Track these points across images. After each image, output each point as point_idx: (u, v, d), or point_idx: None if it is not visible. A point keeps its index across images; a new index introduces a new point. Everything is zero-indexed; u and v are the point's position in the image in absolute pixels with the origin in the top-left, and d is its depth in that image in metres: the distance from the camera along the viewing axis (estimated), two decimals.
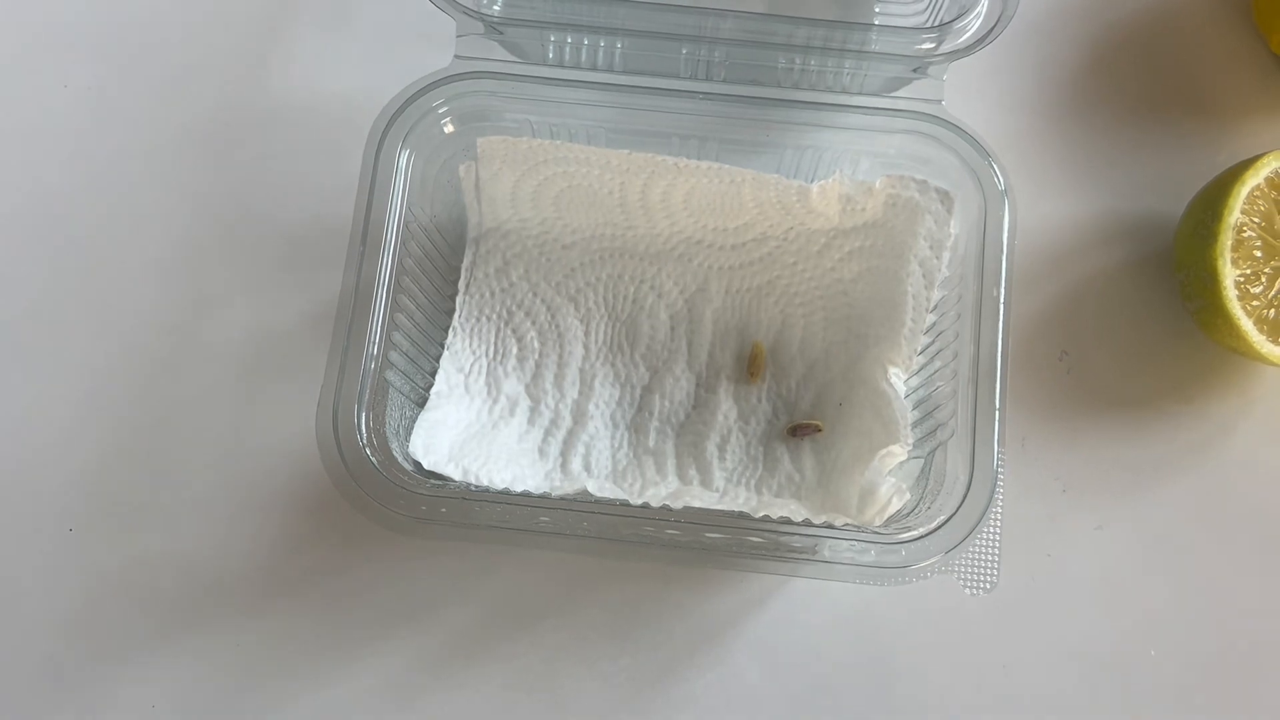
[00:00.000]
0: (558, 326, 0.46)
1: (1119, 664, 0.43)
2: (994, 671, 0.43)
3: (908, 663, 0.43)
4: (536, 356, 0.45)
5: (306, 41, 0.49)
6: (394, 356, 0.40)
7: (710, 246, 0.46)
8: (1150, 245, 0.47)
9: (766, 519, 0.38)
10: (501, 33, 0.41)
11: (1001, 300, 0.39)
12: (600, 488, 0.40)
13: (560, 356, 0.45)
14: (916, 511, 0.39)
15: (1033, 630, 0.43)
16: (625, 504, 0.39)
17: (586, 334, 0.46)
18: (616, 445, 0.44)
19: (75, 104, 0.49)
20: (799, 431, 0.44)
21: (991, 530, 0.38)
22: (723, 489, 0.43)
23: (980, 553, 0.38)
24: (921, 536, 0.37)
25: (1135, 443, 0.46)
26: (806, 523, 0.38)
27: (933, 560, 0.37)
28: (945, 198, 0.41)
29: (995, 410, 0.38)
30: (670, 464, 0.44)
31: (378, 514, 0.37)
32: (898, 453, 0.41)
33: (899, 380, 0.42)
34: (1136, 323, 0.47)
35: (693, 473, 0.44)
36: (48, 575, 0.44)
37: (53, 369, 0.46)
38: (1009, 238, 0.39)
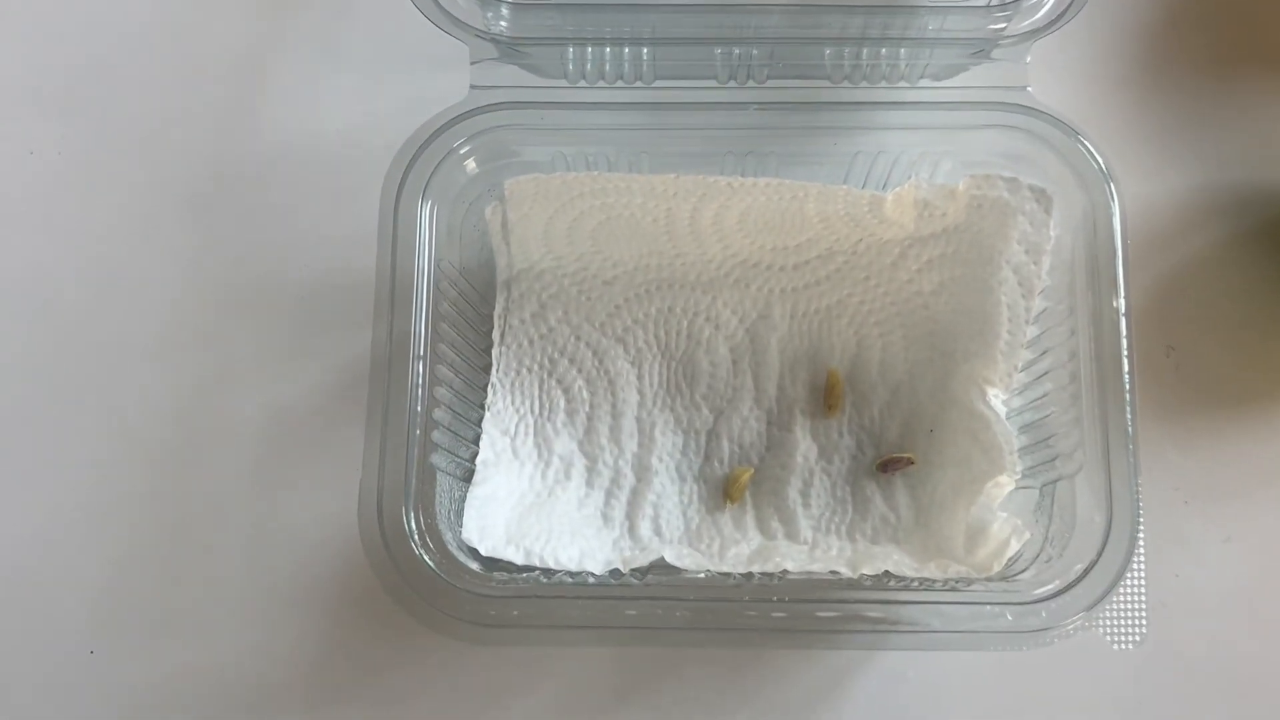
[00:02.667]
0: (607, 372, 0.41)
1: (1272, 686, 0.39)
2: (1134, 710, 0.39)
3: (1038, 714, 0.39)
4: (587, 408, 0.41)
5: (297, 77, 0.44)
6: (437, 435, 0.36)
7: (770, 268, 0.41)
8: (1256, 219, 0.43)
9: (881, 585, 0.34)
10: (523, 54, 0.37)
11: (1123, 311, 0.34)
12: (677, 555, 0.37)
13: (613, 406, 0.41)
14: (1041, 556, 0.35)
15: (1171, 662, 0.39)
16: (710, 574, 0.36)
17: (639, 378, 0.41)
18: (686, 501, 0.40)
19: (44, 171, 0.44)
20: (889, 466, 0.40)
21: (1135, 575, 0.33)
22: (811, 540, 0.39)
23: (1123, 599, 0.34)
24: (1060, 591, 0.33)
25: (1258, 441, 0.41)
26: (925, 583, 0.34)
27: (1076, 618, 0.32)
28: (1041, 196, 0.37)
29: (1128, 440, 0.33)
30: (749, 517, 0.40)
31: (442, 624, 0.33)
32: (1005, 483, 0.36)
33: (998, 401, 0.38)
34: (1248, 308, 0.42)
35: (775, 525, 0.40)
36: (71, 704, 0.40)
37: (53, 475, 0.41)
38: (1121, 239, 0.35)
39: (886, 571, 0.35)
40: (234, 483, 0.41)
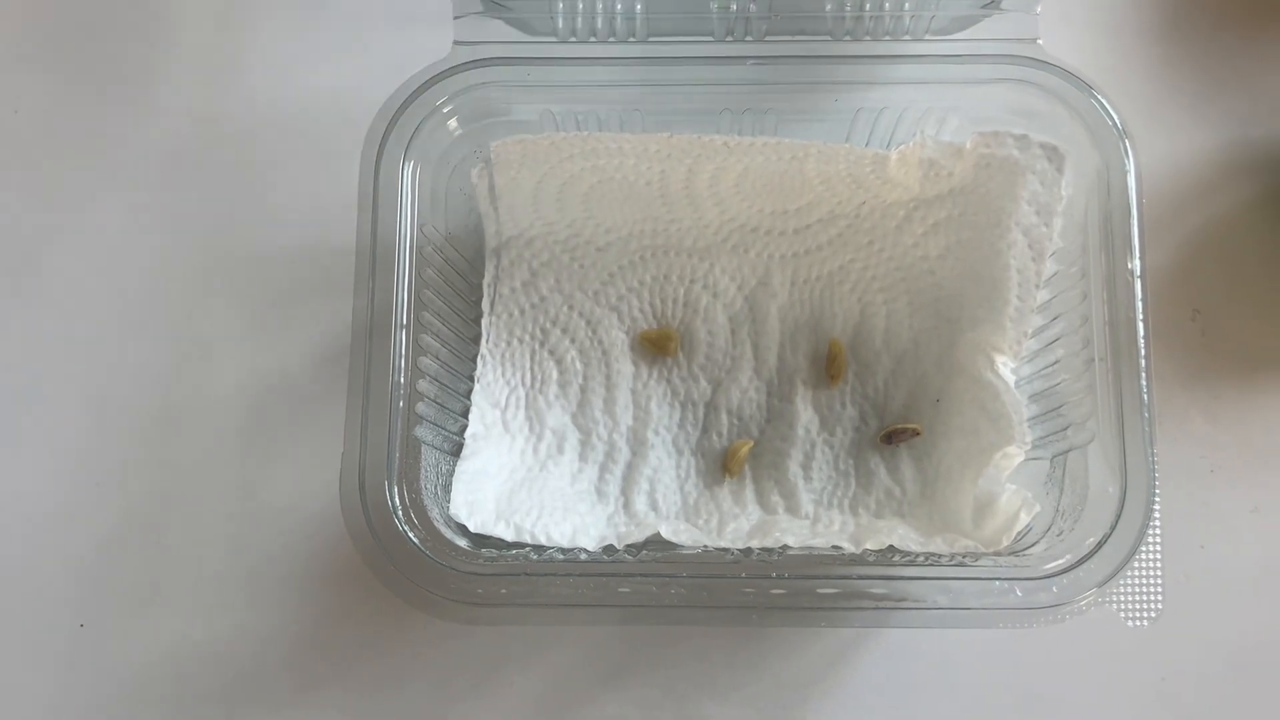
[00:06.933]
0: (600, 342, 0.40)
1: None
2: (1150, 688, 0.38)
3: (1048, 692, 0.38)
4: (580, 380, 0.40)
5: (277, 34, 0.43)
6: (421, 408, 0.34)
7: (769, 233, 0.40)
8: None
9: (885, 561, 0.32)
10: (508, 8, 0.35)
11: (1138, 274, 0.33)
12: (674, 530, 0.35)
13: (607, 377, 0.40)
14: (1052, 530, 0.33)
15: (1191, 635, 0.38)
16: (708, 550, 0.35)
17: (634, 348, 0.40)
18: (683, 476, 0.39)
19: (26, 131, 0.43)
20: (894, 437, 0.39)
21: (1151, 548, 0.32)
22: (813, 514, 0.38)
23: (1138, 574, 0.33)
24: (1071, 566, 0.31)
25: None
26: (931, 559, 0.32)
27: (1089, 594, 0.31)
28: (1053, 154, 0.35)
29: (1143, 408, 0.32)
30: (749, 491, 0.39)
31: (428, 603, 0.32)
32: (1015, 454, 0.35)
33: (1007, 369, 0.37)
34: (1278, 270, 0.40)
35: (776, 499, 0.38)
36: (63, 676, 0.39)
37: (34, 447, 0.40)
38: (1137, 197, 0.33)
39: (891, 546, 0.34)
40: (216, 455, 0.40)
